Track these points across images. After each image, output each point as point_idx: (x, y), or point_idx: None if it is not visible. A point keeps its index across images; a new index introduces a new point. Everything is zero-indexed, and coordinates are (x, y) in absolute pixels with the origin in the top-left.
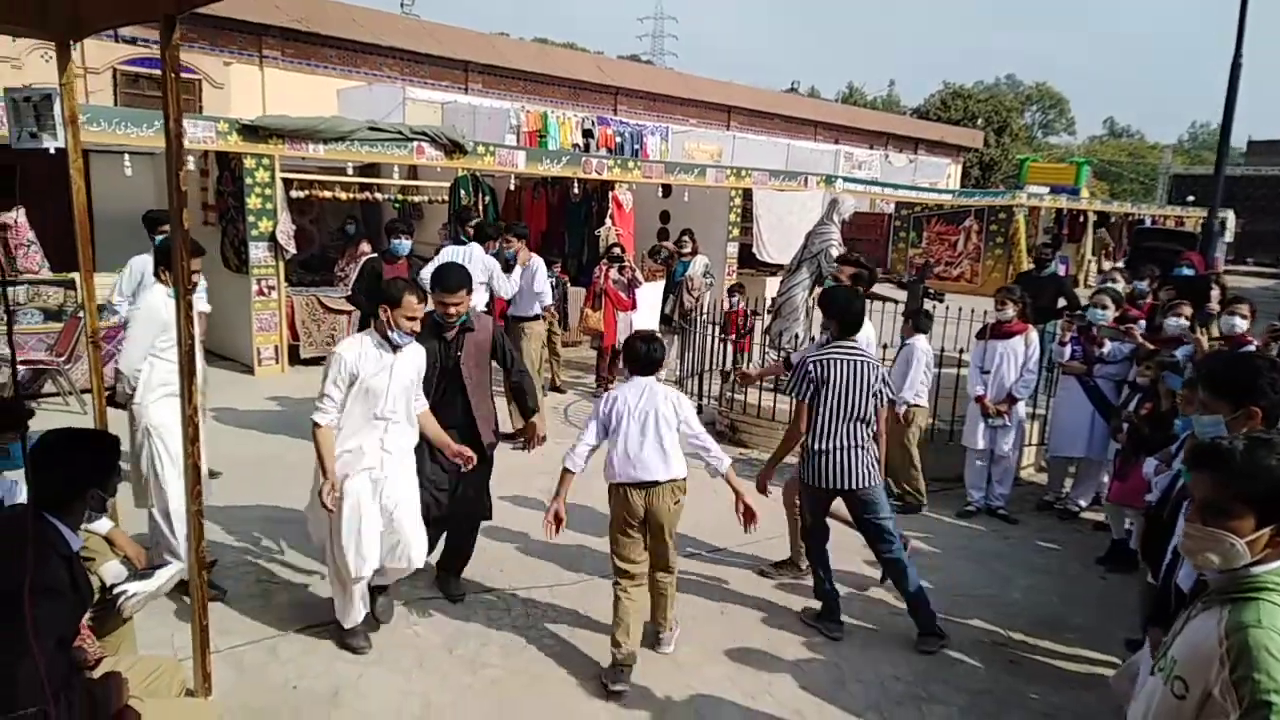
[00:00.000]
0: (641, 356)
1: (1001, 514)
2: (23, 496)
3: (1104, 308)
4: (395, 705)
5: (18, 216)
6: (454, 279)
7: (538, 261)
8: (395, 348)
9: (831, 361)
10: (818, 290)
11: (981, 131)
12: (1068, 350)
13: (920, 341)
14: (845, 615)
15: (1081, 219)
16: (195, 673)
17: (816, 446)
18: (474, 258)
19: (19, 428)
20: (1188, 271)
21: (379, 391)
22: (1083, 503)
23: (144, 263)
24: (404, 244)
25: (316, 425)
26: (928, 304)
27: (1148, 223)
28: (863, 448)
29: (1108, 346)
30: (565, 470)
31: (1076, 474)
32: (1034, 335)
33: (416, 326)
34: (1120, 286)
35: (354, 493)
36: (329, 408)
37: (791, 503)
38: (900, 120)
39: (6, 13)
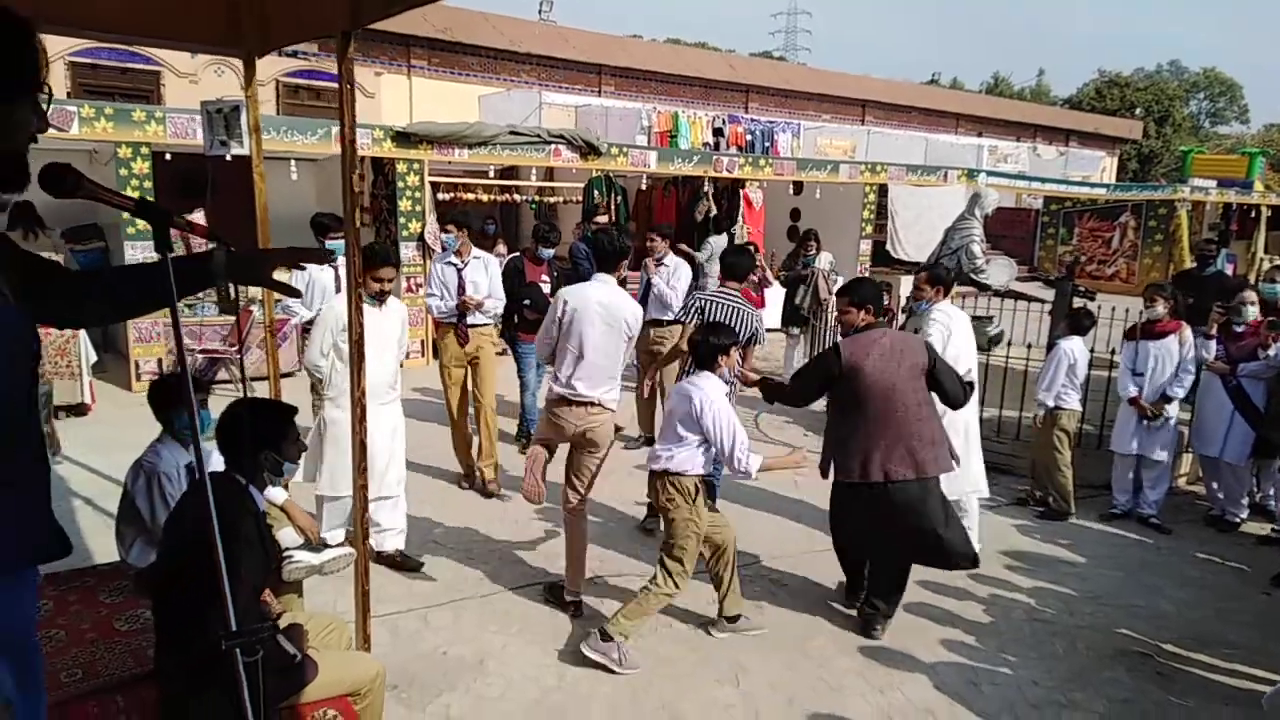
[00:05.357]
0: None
1: (1154, 523)
2: (215, 464)
3: (1251, 304)
4: (534, 674)
5: (196, 218)
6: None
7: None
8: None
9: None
10: (955, 289)
11: (1140, 122)
12: (1213, 345)
13: (1070, 343)
14: (985, 617)
15: (1253, 214)
16: (356, 634)
17: None
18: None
19: (207, 396)
20: None
21: None
22: (1242, 515)
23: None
24: (547, 251)
25: None
26: (1078, 302)
27: None
28: None
29: (1273, 349)
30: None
31: (1219, 479)
32: (1188, 333)
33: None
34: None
35: None
36: None
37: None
38: (1050, 111)
39: (202, 33)
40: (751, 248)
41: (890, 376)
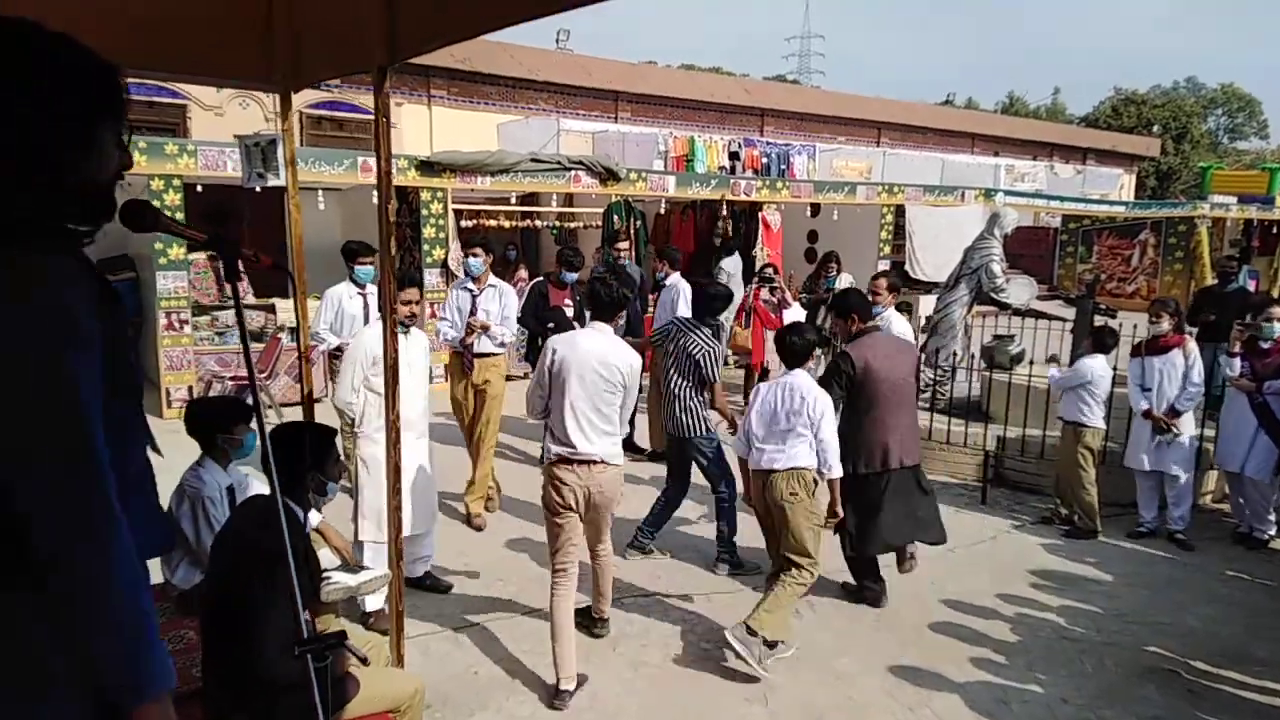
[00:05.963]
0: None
1: (1179, 539)
2: (254, 488)
3: (1277, 320)
4: None
5: None
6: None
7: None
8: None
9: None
10: (976, 308)
11: (1158, 139)
12: (1237, 362)
13: (1091, 361)
14: (1013, 636)
15: (1275, 230)
16: (391, 653)
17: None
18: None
19: (249, 419)
20: None
21: None
22: (1270, 531)
23: (338, 293)
24: (570, 275)
25: None
26: (1099, 320)
27: None
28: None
29: None
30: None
31: (1244, 495)
32: (1192, 346)
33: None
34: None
35: None
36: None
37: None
38: (1066, 129)
39: (240, 69)
40: (771, 269)
41: (895, 373)
